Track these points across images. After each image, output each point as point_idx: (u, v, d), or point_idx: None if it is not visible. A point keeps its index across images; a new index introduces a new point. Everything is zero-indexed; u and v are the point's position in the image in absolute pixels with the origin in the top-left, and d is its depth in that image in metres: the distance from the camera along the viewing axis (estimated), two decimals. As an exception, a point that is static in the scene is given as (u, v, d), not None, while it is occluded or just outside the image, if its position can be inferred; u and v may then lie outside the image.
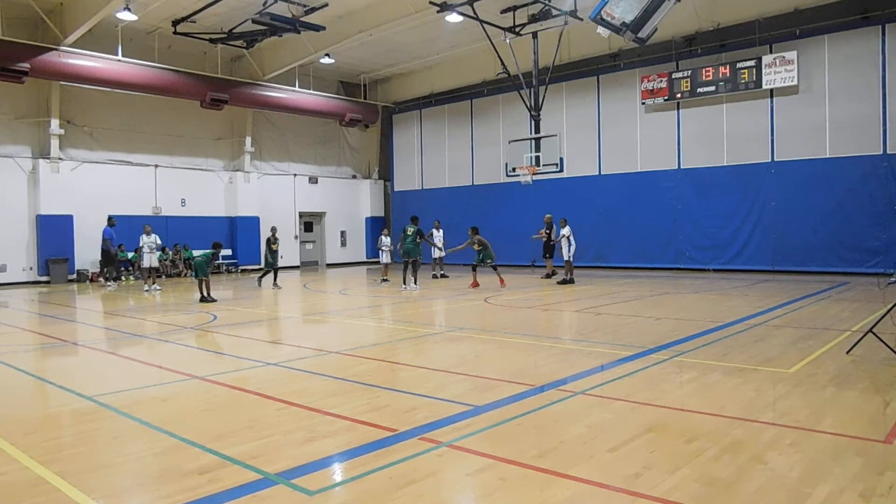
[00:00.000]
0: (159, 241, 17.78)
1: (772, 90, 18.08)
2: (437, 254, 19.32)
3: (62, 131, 20.03)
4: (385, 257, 18.83)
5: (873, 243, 16.70)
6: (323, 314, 12.54)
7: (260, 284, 17.66)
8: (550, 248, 17.97)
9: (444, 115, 26.40)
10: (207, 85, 21.49)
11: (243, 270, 24.04)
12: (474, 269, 16.39)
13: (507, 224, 23.56)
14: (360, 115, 25.93)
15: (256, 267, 24.29)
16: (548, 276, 17.98)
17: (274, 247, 17.33)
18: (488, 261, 15.96)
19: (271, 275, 17.52)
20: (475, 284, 15.95)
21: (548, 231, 17.98)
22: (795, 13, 17.17)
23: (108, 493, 3.68)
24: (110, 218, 18.45)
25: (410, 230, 16.17)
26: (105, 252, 18.45)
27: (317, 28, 18.42)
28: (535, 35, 18.84)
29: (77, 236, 20.25)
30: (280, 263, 18.33)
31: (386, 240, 18.88)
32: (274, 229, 17.81)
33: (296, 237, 26.33)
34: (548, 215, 18.28)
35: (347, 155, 28.46)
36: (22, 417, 5.37)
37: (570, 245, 16.70)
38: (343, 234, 27.88)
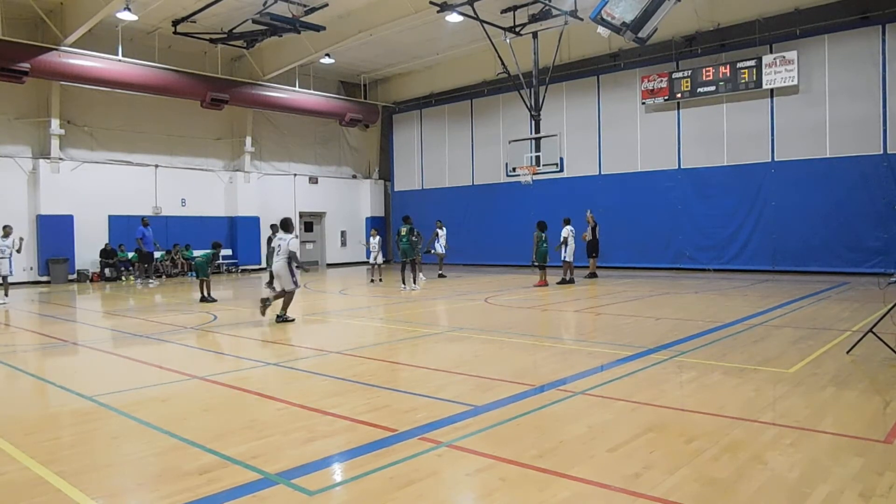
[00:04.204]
0: (19, 241, 14.79)
1: (772, 90, 18.08)
2: (439, 251, 19.36)
3: (62, 131, 20.03)
4: (373, 258, 18.48)
5: (873, 243, 16.70)
6: (323, 314, 12.53)
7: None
8: (595, 248, 17.97)
9: (445, 115, 26.39)
10: (207, 85, 21.49)
11: (243, 270, 24.04)
12: (541, 269, 16.47)
13: (507, 224, 23.59)
14: (360, 115, 25.93)
15: (257, 267, 24.32)
16: (591, 275, 17.96)
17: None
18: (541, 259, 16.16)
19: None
20: (542, 283, 16.13)
21: (592, 230, 17.94)
22: (795, 13, 17.18)
23: (108, 493, 3.68)
24: (143, 218, 19.21)
25: (404, 230, 16.11)
26: (138, 251, 19.32)
27: (317, 28, 18.42)
28: (535, 35, 18.85)
29: (77, 236, 20.27)
30: (264, 263, 17.75)
31: (374, 240, 18.50)
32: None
33: (296, 237, 26.29)
34: (589, 214, 18.26)
35: (347, 155, 28.46)
36: (22, 417, 5.37)
37: (566, 245, 16.69)
38: (343, 234, 27.88)
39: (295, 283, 10.49)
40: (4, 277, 14.60)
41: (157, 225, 21.49)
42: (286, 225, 10.86)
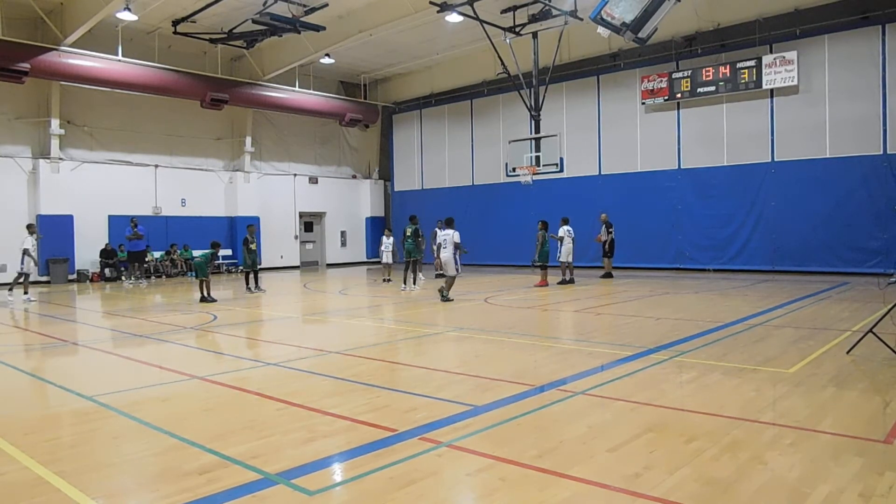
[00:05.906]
0: (36, 238, 15.80)
1: (772, 90, 18.07)
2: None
3: (62, 131, 20.02)
4: (386, 258, 18.60)
5: (873, 243, 16.69)
6: (323, 314, 12.53)
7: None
8: (611, 248, 18.00)
9: (444, 115, 26.39)
10: (207, 85, 21.48)
11: (243, 271, 23.98)
12: (542, 269, 16.47)
13: (507, 224, 23.59)
14: (360, 115, 25.92)
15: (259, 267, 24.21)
16: (607, 275, 17.96)
17: (252, 246, 16.49)
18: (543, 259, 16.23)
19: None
20: (542, 283, 16.13)
21: (609, 231, 17.96)
22: (795, 13, 17.17)
23: (108, 493, 3.68)
24: (132, 219, 19.40)
25: (409, 230, 16.14)
26: (128, 251, 19.60)
27: (317, 28, 18.41)
28: (535, 35, 18.84)
29: (77, 236, 20.26)
30: (264, 264, 17.96)
31: (388, 240, 18.58)
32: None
33: (296, 237, 26.32)
34: (603, 214, 18.27)
35: (347, 155, 28.46)
36: (22, 417, 5.37)
37: (562, 244, 16.68)
38: (343, 234, 27.87)
39: (457, 269, 13.08)
40: (26, 276, 15.13)
41: (157, 225, 21.53)
42: (450, 222, 13.52)
